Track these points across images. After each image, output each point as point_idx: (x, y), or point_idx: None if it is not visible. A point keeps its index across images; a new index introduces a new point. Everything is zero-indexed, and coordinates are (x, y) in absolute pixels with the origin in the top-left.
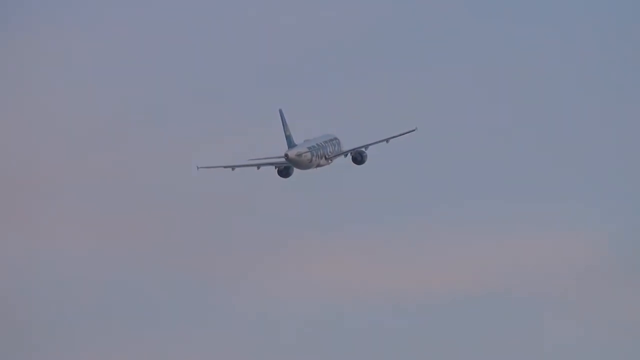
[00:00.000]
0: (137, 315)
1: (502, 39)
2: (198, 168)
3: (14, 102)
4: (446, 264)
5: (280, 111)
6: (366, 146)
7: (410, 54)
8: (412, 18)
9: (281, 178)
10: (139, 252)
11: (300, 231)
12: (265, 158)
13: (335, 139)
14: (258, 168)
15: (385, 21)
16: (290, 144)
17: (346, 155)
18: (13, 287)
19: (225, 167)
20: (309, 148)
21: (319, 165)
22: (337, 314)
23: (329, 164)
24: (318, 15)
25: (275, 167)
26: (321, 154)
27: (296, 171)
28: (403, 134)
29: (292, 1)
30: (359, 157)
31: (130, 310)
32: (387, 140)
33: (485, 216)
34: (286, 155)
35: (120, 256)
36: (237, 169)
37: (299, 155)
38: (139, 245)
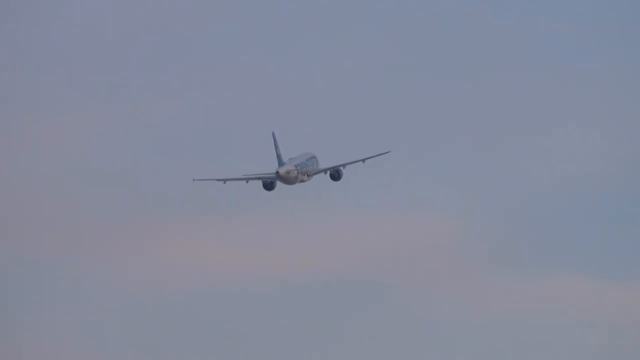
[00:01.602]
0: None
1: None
2: (194, 180)
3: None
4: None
5: (273, 134)
6: (344, 165)
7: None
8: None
9: (266, 191)
10: None
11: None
12: (256, 174)
13: (314, 157)
14: (247, 182)
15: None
16: (280, 163)
17: (326, 173)
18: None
19: (218, 180)
20: (295, 166)
21: (302, 181)
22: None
23: (309, 179)
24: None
25: (262, 182)
26: (304, 171)
27: (279, 185)
28: (378, 155)
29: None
30: (336, 175)
31: None
32: (363, 160)
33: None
34: (277, 172)
35: None
36: (228, 182)
37: (288, 172)
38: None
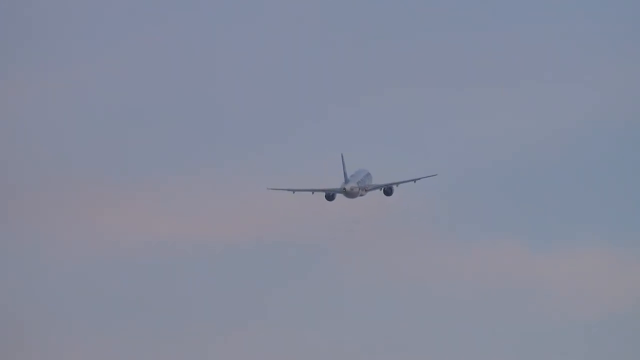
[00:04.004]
0: None
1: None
2: (268, 189)
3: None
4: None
5: (342, 155)
6: (397, 183)
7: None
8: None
9: (327, 201)
10: None
11: None
12: (324, 188)
13: (369, 173)
14: (312, 193)
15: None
16: (346, 180)
17: (381, 189)
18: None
19: (287, 189)
20: (357, 183)
21: (360, 195)
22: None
23: (365, 194)
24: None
25: (325, 193)
26: (363, 187)
27: (338, 196)
28: (426, 177)
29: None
30: (389, 191)
31: None
32: (414, 180)
33: None
34: (344, 188)
35: None
36: (296, 192)
37: (353, 189)
38: None
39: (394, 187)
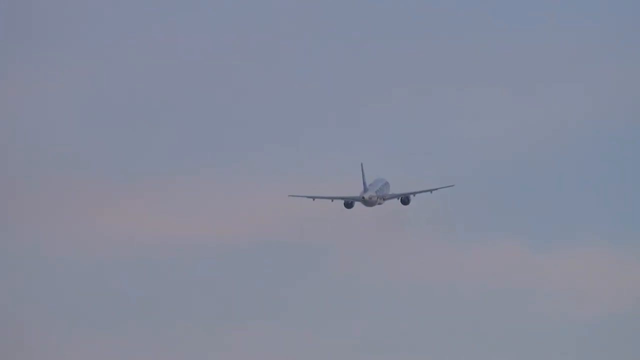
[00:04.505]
0: None
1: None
2: (289, 196)
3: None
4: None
5: (362, 165)
6: (414, 193)
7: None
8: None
9: (346, 209)
10: None
11: None
12: (343, 195)
13: (387, 182)
14: (332, 200)
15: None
16: (365, 189)
17: (398, 198)
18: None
19: (308, 197)
20: (376, 192)
21: (378, 204)
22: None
23: (383, 202)
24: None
25: (343, 201)
26: (381, 196)
27: (357, 204)
28: (443, 187)
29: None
30: (406, 200)
31: None
32: (431, 190)
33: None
34: (363, 197)
35: None
36: (316, 200)
37: (371, 197)
38: None
39: (411, 196)
